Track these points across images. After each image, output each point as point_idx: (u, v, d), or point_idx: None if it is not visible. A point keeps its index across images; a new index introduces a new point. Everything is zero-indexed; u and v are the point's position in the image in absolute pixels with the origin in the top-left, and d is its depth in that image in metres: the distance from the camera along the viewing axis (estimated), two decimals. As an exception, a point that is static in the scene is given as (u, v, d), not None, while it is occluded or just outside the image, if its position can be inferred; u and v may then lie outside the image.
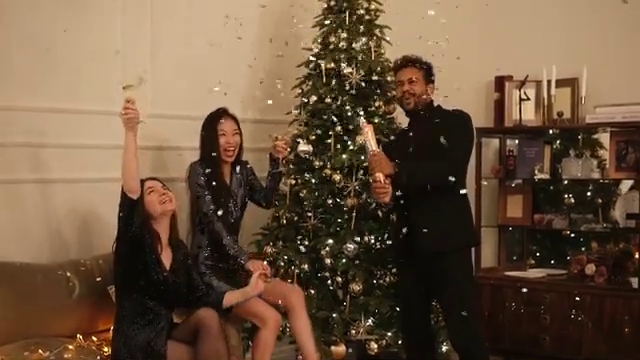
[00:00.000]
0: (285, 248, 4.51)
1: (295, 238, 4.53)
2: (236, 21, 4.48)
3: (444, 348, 4.43)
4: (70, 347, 3.53)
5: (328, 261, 4.36)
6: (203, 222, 4.05)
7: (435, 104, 4.11)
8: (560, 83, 5.07)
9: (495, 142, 5.51)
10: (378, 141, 4.06)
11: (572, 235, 5.16)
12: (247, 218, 4.30)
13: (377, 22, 4.69)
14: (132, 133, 3.50)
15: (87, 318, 3.87)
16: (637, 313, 4.58)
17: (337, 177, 4.43)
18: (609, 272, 4.80)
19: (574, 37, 5.17)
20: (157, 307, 3.64)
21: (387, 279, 4.44)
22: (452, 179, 3.88)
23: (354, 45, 4.55)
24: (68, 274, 3.86)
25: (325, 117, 4.54)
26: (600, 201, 5.10)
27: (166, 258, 3.71)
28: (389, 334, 4.34)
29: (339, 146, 4.51)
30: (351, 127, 4.47)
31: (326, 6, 4.68)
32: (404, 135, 4.20)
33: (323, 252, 4.37)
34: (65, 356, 3.47)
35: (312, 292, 4.43)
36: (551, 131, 5.22)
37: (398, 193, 3.92)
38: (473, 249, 4.50)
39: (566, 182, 5.16)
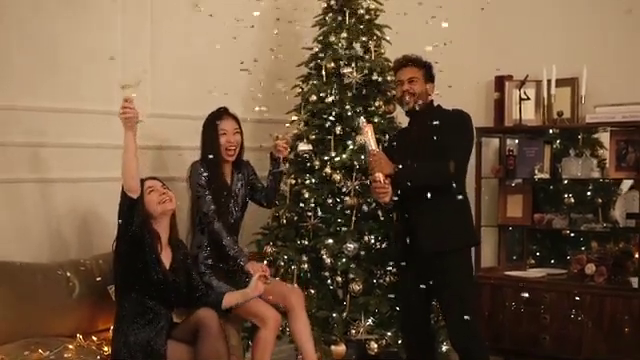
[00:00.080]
0: (285, 248, 4.52)
1: (295, 238, 4.53)
2: (236, 21, 4.48)
3: (444, 348, 4.43)
4: (70, 347, 3.53)
5: (328, 261, 4.36)
6: (203, 222, 4.05)
7: (435, 104, 4.12)
8: (560, 83, 5.06)
9: (495, 142, 5.51)
10: (378, 141, 4.07)
11: (572, 235, 5.15)
12: (247, 218, 4.30)
13: (377, 22, 4.70)
14: (131, 132, 3.50)
15: (87, 318, 3.88)
16: (637, 313, 4.58)
17: (337, 177, 4.43)
18: (609, 272, 4.80)
19: (574, 37, 5.17)
20: (157, 307, 3.64)
21: (387, 279, 4.44)
22: (452, 180, 3.90)
23: (354, 45, 4.55)
24: (68, 274, 3.86)
25: (325, 117, 4.54)
26: (600, 201, 5.10)
27: (166, 258, 3.71)
28: (389, 334, 4.34)
29: (340, 145, 4.51)
30: (351, 127, 4.47)
31: (326, 5, 4.68)
32: (404, 135, 4.21)
33: (323, 252, 4.37)
34: (65, 356, 3.48)
35: (312, 292, 4.43)
36: (551, 131, 5.22)
37: (398, 193, 3.93)
38: (473, 249, 4.50)
39: (566, 182, 5.16)
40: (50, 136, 4.09)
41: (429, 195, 3.88)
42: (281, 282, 4.31)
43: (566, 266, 5.07)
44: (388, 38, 4.72)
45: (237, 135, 4.15)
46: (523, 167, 5.22)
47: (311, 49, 4.71)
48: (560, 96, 5.09)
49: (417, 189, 3.90)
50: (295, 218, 4.54)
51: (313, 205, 4.48)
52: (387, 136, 4.39)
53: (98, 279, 3.92)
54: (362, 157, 4.33)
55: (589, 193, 5.18)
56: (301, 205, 4.52)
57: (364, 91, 4.57)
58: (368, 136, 3.92)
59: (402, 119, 4.45)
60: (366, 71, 4.53)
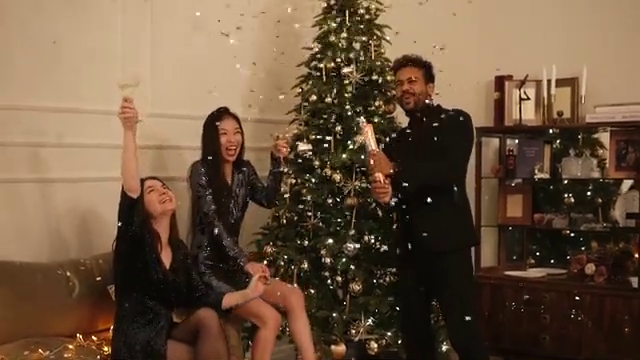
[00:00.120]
0: (285, 248, 4.51)
1: (295, 238, 4.53)
2: (236, 20, 4.48)
3: (444, 348, 4.43)
4: (70, 346, 3.53)
5: (328, 260, 4.36)
6: (204, 222, 4.05)
7: (435, 104, 4.12)
8: (560, 83, 5.07)
9: (495, 142, 5.51)
10: (378, 141, 4.06)
11: (572, 235, 5.16)
12: (247, 218, 4.30)
13: (377, 22, 4.70)
14: (131, 132, 3.50)
15: (87, 317, 3.88)
16: (637, 313, 4.58)
17: (337, 177, 4.43)
18: (609, 272, 4.80)
19: (574, 37, 5.17)
20: (157, 306, 3.64)
21: (387, 279, 4.44)
22: (452, 180, 3.90)
23: (354, 45, 4.55)
24: (68, 273, 3.86)
25: (325, 117, 4.54)
26: (600, 201, 5.11)
27: (166, 257, 3.71)
28: (389, 334, 4.34)
29: (340, 145, 4.51)
30: (351, 127, 4.47)
31: (326, 5, 4.68)
32: (404, 135, 4.20)
33: (323, 252, 4.37)
34: (65, 355, 3.47)
35: (312, 292, 4.43)
36: (551, 131, 5.23)
37: (398, 193, 3.93)
38: (473, 249, 4.50)
39: (566, 182, 5.16)
40: (50, 136, 4.09)
41: (429, 195, 3.89)
42: (281, 282, 4.31)
43: (566, 266, 5.08)
44: (388, 38, 4.72)
45: (237, 135, 4.14)
46: (523, 167, 5.22)
47: (311, 49, 4.70)
48: (560, 96, 5.10)
49: (417, 189, 3.90)
50: (295, 218, 4.54)
51: (313, 205, 4.48)
52: (387, 138, 4.39)
53: (98, 279, 3.92)
54: (362, 157, 4.33)
55: (589, 193, 5.19)
56: (301, 205, 4.52)
57: (364, 91, 4.57)
58: (368, 136, 3.91)
59: (402, 119, 4.45)
60: (366, 71, 4.53)
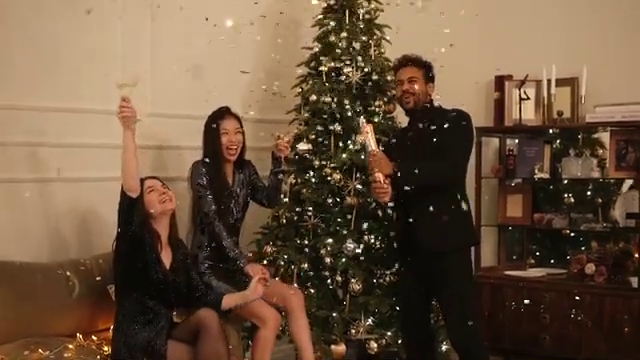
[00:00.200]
0: (285, 247, 4.51)
1: (295, 237, 4.53)
2: (236, 20, 4.49)
3: (444, 347, 4.43)
4: (70, 346, 3.53)
5: (328, 260, 4.36)
6: (204, 222, 4.05)
7: (435, 103, 4.12)
8: (560, 82, 5.07)
9: (495, 141, 5.51)
10: (378, 140, 4.07)
11: (572, 234, 5.15)
12: (247, 217, 4.30)
13: (377, 21, 4.70)
14: (130, 132, 3.50)
15: (87, 317, 3.88)
16: (637, 312, 4.58)
17: (337, 176, 4.43)
18: (609, 271, 4.80)
19: (574, 37, 5.17)
20: (157, 306, 3.64)
21: (387, 279, 4.44)
22: (452, 180, 3.90)
23: (354, 44, 4.55)
24: (68, 273, 3.86)
25: (325, 116, 4.54)
26: (600, 200, 5.10)
27: (166, 257, 3.71)
28: (389, 333, 4.34)
29: (340, 145, 4.51)
30: (351, 127, 4.47)
31: (326, 5, 4.68)
32: (404, 134, 4.21)
33: (323, 251, 4.37)
34: (65, 355, 3.48)
35: (312, 291, 4.43)
36: (551, 130, 5.22)
37: (398, 193, 3.93)
38: (473, 249, 4.50)
39: (566, 181, 5.16)
40: (50, 136, 4.09)
41: (429, 195, 3.89)
42: (281, 283, 4.31)
43: (566, 266, 5.07)
44: (388, 38, 4.72)
45: (239, 134, 4.14)
46: (523, 167, 5.22)
47: (311, 49, 4.71)
48: (560, 96, 5.10)
49: (417, 189, 3.90)
50: (295, 218, 4.54)
51: (313, 205, 4.48)
52: (387, 138, 4.39)
53: (98, 279, 3.92)
54: (362, 157, 4.33)
55: (589, 193, 5.18)
56: (301, 205, 4.52)
57: (364, 91, 4.57)
58: (368, 136, 3.91)
59: (402, 119, 4.45)
60: (366, 70, 4.53)
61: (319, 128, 4.55)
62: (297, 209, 4.53)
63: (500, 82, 5.39)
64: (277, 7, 4.91)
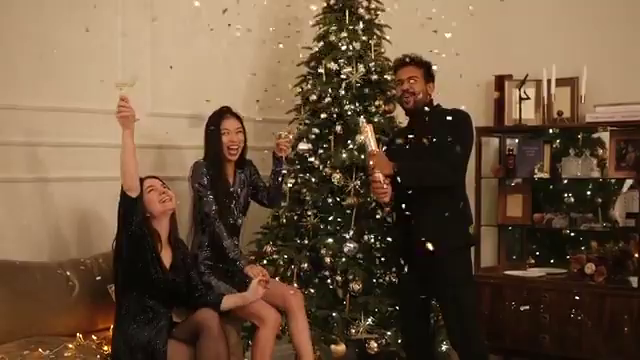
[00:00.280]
0: (285, 247, 4.51)
1: (295, 237, 4.53)
2: (236, 20, 4.49)
3: (444, 347, 4.43)
4: (70, 346, 3.53)
5: (328, 260, 4.37)
6: (205, 222, 4.05)
7: (435, 103, 4.12)
8: (560, 82, 5.06)
9: (495, 141, 5.51)
10: (378, 140, 4.07)
11: (572, 234, 5.15)
12: (247, 217, 4.30)
13: (377, 21, 4.70)
14: (129, 131, 3.51)
15: (87, 317, 3.88)
16: (636, 312, 4.58)
17: (337, 176, 4.43)
18: (609, 271, 4.80)
19: (574, 37, 5.17)
20: (157, 306, 3.64)
21: (387, 279, 4.45)
22: (452, 179, 3.90)
23: (354, 44, 4.56)
24: (68, 273, 3.87)
25: (325, 116, 4.54)
26: (600, 200, 5.10)
27: (166, 257, 3.71)
28: (389, 333, 4.34)
29: (339, 145, 4.52)
30: (351, 126, 4.47)
31: (326, 5, 4.69)
32: (404, 134, 4.20)
33: (323, 251, 4.37)
34: (65, 355, 3.48)
35: (312, 291, 4.43)
36: (551, 130, 5.22)
37: (398, 193, 3.93)
38: (473, 248, 4.50)
39: (566, 181, 5.16)
40: (50, 135, 4.10)
41: (429, 195, 3.89)
42: (281, 283, 4.31)
43: (566, 265, 5.07)
44: (388, 38, 4.72)
45: (240, 134, 4.14)
46: (523, 167, 5.22)
47: (311, 49, 4.71)
48: (560, 96, 5.09)
49: (417, 189, 3.90)
50: (295, 217, 4.55)
51: (313, 205, 4.48)
52: (387, 138, 4.39)
53: (98, 278, 3.93)
54: (362, 157, 4.33)
55: (589, 193, 5.18)
56: (301, 205, 4.52)
57: (364, 91, 4.57)
58: (368, 136, 3.91)
59: (402, 119, 4.45)
60: (366, 70, 4.53)
61: (319, 129, 4.55)
62: (297, 209, 4.54)
63: (500, 82, 5.38)
64: (277, 7, 4.92)
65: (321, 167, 4.50)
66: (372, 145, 3.90)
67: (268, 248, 4.53)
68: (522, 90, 5.19)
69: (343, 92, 4.52)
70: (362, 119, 4.24)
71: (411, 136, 4.08)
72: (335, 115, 4.52)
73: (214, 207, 4.00)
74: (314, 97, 4.56)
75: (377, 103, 4.57)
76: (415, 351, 4.19)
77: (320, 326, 4.35)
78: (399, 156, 3.97)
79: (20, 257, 3.83)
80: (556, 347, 4.83)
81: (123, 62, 4.36)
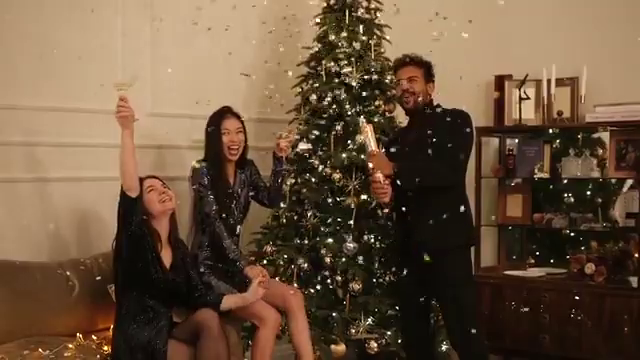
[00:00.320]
0: (285, 247, 4.51)
1: (295, 237, 4.53)
2: (236, 20, 4.49)
3: (444, 347, 4.43)
4: (70, 346, 3.53)
5: (328, 260, 4.37)
6: (205, 222, 4.05)
7: (435, 103, 4.12)
8: (560, 82, 5.06)
9: (495, 141, 5.51)
10: (378, 140, 4.07)
11: (572, 234, 5.15)
12: (247, 217, 4.30)
13: (377, 21, 4.70)
14: (128, 131, 3.51)
15: (87, 317, 3.89)
16: (636, 312, 4.58)
17: (337, 176, 4.43)
18: (608, 271, 4.80)
19: (574, 37, 5.17)
20: (157, 306, 3.64)
21: (387, 278, 4.45)
22: (452, 179, 3.90)
23: (354, 44, 4.55)
24: (68, 273, 3.87)
25: (325, 116, 4.54)
26: (600, 200, 5.10)
27: (166, 257, 3.71)
28: (389, 333, 4.34)
29: (339, 145, 4.51)
30: (351, 126, 4.47)
31: (326, 5, 4.69)
32: (404, 134, 4.21)
33: (323, 251, 4.37)
34: (65, 355, 3.48)
35: (312, 291, 4.43)
36: (551, 130, 5.22)
37: (398, 193, 3.93)
38: (473, 248, 4.50)
39: (566, 181, 5.16)
40: (50, 135, 4.10)
41: (429, 195, 3.89)
42: (281, 283, 4.31)
43: (566, 265, 5.07)
44: (388, 38, 4.72)
45: (240, 134, 4.13)
46: (523, 167, 5.22)
47: (311, 49, 4.71)
48: (560, 96, 5.09)
49: (417, 189, 3.90)
50: (295, 217, 4.55)
51: (313, 204, 4.48)
52: (387, 137, 4.39)
53: (98, 278, 3.93)
54: (362, 157, 4.33)
55: (589, 193, 5.18)
56: (301, 204, 4.52)
57: (364, 91, 4.57)
58: (368, 136, 3.91)
59: (402, 119, 4.45)
60: (366, 71, 4.53)
61: (318, 129, 4.55)
62: (297, 209, 4.54)
63: (500, 82, 5.39)
64: (277, 7, 4.92)
65: (321, 167, 4.50)
66: (372, 145, 3.90)
67: (268, 248, 4.53)
68: (522, 90, 5.19)
69: (343, 92, 4.52)
70: (362, 119, 4.24)
71: (411, 136, 4.08)
72: (335, 115, 4.52)
73: (214, 207, 4.00)
74: (314, 97, 4.56)
75: (377, 103, 4.57)
76: (415, 351, 4.19)
77: (320, 326, 4.35)
78: (399, 156, 3.97)
79: (20, 257, 3.83)
80: (556, 347, 4.83)
81: (123, 62, 4.36)
